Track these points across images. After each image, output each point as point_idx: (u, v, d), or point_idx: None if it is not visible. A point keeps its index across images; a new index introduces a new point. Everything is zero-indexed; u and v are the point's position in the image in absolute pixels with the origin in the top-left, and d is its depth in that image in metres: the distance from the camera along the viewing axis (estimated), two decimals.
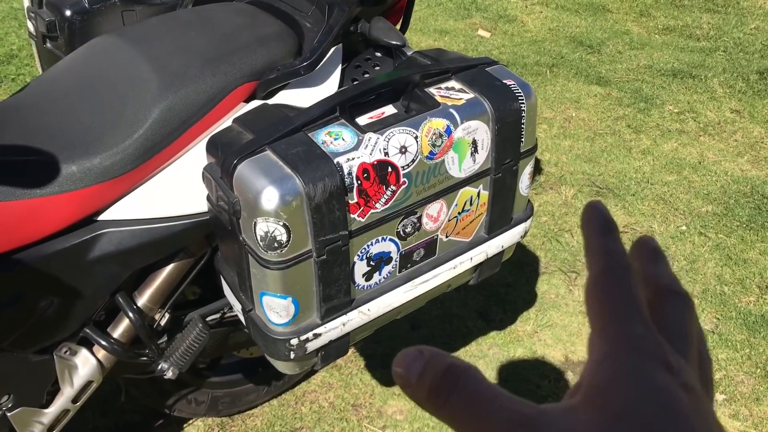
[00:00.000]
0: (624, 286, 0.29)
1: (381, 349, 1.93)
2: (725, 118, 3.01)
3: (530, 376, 1.88)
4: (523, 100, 1.14)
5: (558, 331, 2.01)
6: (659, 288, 0.32)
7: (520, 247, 2.26)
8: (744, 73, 3.35)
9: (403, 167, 1.03)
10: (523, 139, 1.17)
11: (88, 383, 1.23)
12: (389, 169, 1.02)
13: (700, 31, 3.82)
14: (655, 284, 0.33)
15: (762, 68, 3.39)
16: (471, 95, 1.11)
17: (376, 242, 1.07)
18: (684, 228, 2.38)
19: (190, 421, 1.72)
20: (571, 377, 1.87)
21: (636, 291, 0.29)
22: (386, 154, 1.01)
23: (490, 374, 1.88)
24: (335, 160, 0.97)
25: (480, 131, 1.10)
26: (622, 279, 0.30)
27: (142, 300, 1.24)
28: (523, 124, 1.15)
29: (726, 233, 2.35)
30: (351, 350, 1.92)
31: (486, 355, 1.93)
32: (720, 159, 2.75)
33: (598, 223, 0.32)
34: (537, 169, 2.66)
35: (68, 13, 1.35)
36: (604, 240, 0.31)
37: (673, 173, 2.66)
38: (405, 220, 1.09)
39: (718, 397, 1.81)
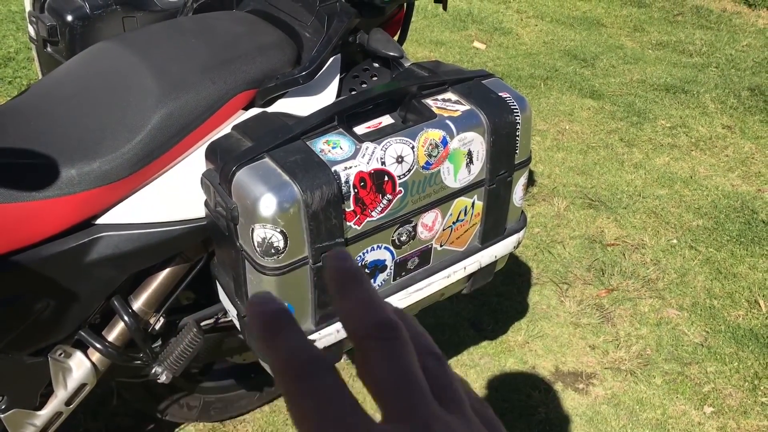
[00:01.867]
0: (312, 399, 0.25)
1: None
2: (717, 133, 3.04)
3: (521, 387, 1.89)
4: (518, 112, 1.16)
5: (549, 341, 2.02)
6: (358, 333, 0.28)
7: (512, 258, 2.27)
8: (735, 89, 3.39)
9: (399, 176, 1.05)
10: (517, 151, 1.19)
11: (82, 386, 1.23)
12: (386, 178, 1.03)
13: (693, 47, 3.86)
14: (355, 326, 0.28)
15: (753, 85, 3.43)
16: (467, 107, 1.13)
17: (371, 250, 1.08)
18: (675, 242, 2.40)
19: (182, 426, 1.73)
20: (561, 388, 1.89)
21: (326, 393, 0.25)
22: (383, 163, 1.03)
23: (481, 383, 1.89)
24: (333, 169, 0.99)
25: (475, 143, 1.12)
26: (309, 391, 0.25)
27: (138, 304, 1.25)
28: (517, 136, 1.17)
29: (716, 247, 2.38)
30: (343, 358, 1.93)
31: (477, 364, 1.95)
32: (711, 174, 2.78)
33: (261, 327, 0.27)
34: (530, 181, 2.68)
35: (69, 18, 1.36)
36: (274, 348, 0.26)
37: (664, 187, 2.68)
38: (400, 228, 1.10)
39: (706, 410, 1.83)
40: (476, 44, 3.81)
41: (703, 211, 2.56)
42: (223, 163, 1.00)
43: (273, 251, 0.97)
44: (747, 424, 1.79)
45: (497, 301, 2.15)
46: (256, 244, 0.97)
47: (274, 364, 0.26)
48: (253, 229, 0.96)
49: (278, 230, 0.95)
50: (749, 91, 3.37)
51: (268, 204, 0.94)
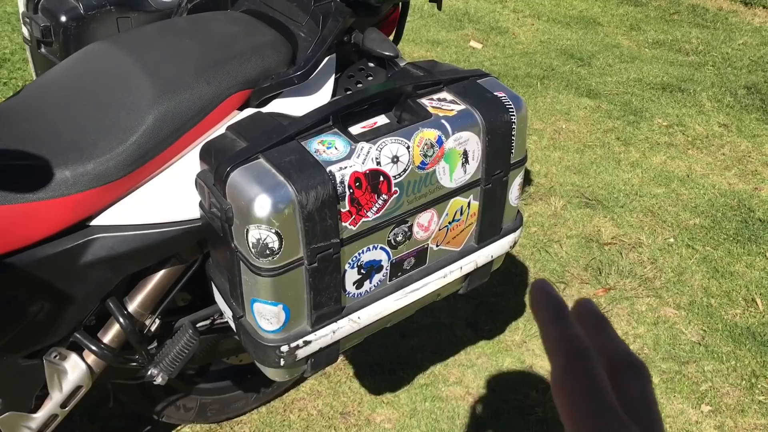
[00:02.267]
0: (590, 378, 0.29)
1: (370, 358, 1.94)
2: (713, 131, 3.04)
3: (518, 386, 1.89)
4: (513, 112, 1.15)
5: None
6: (615, 360, 0.32)
7: (509, 257, 2.27)
8: (732, 87, 3.40)
9: (394, 177, 1.05)
10: (513, 151, 1.19)
11: (78, 388, 1.23)
12: (381, 179, 1.03)
13: (689, 46, 3.87)
14: (609, 355, 0.32)
15: (749, 83, 3.43)
16: (462, 107, 1.12)
17: (367, 250, 1.08)
18: (672, 240, 2.40)
19: (179, 428, 1.72)
20: None
21: (603, 380, 0.29)
22: (378, 163, 1.02)
23: (479, 383, 1.89)
24: (328, 169, 0.98)
25: (471, 142, 1.11)
26: (588, 370, 0.29)
27: (133, 305, 1.24)
28: (513, 135, 1.17)
29: (713, 246, 2.38)
30: (340, 358, 1.92)
31: (474, 364, 1.94)
32: (708, 172, 2.78)
33: (549, 308, 0.32)
34: (527, 180, 2.68)
35: (63, 18, 1.35)
36: (560, 327, 0.31)
37: (661, 186, 2.68)
38: (396, 229, 1.10)
39: (704, 408, 1.83)
40: (473, 44, 3.81)
41: (700, 209, 2.56)
42: (218, 163, 0.99)
43: (268, 252, 0.97)
44: (744, 423, 1.79)
45: (494, 300, 2.14)
46: (250, 245, 0.97)
47: (557, 341, 0.31)
48: (247, 230, 0.96)
49: (273, 231, 0.95)
50: (745, 90, 3.37)
51: (262, 205, 0.93)
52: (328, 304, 1.07)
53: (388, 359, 1.94)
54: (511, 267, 2.26)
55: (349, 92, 1.25)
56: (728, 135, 3.02)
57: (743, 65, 3.64)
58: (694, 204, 2.59)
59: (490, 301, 2.14)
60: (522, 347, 2.00)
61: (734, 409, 1.83)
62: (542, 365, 1.95)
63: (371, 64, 1.31)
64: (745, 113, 3.18)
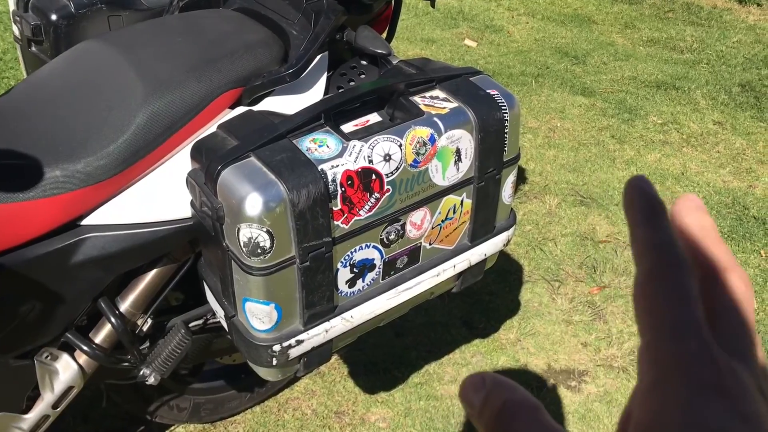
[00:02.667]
0: (677, 287, 0.26)
1: (364, 357, 1.94)
2: (708, 129, 3.05)
3: None
4: (506, 109, 1.15)
5: (541, 339, 2.02)
6: (714, 264, 0.28)
7: (503, 256, 2.27)
8: (726, 85, 3.40)
9: (387, 175, 1.04)
10: (506, 149, 1.18)
11: (69, 389, 1.22)
12: (373, 177, 1.03)
13: (684, 44, 3.87)
14: (708, 259, 0.29)
15: (744, 81, 3.43)
16: (455, 104, 1.12)
17: (359, 249, 1.08)
18: None
19: (172, 428, 1.71)
20: (553, 385, 1.88)
21: (690, 295, 0.26)
22: (370, 161, 1.02)
23: None
24: (319, 167, 0.98)
25: (464, 140, 1.11)
26: (675, 278, 0.26)
27: (125, 305, 1.24)
28: (506, 133, 1.16)
29: None
30: (334, 357, 1.92)
31: (469, 362, 1.94)
32: (702, 170, 2.78)
33: (642, 208, 0.28)
34: (521, 178, 2.68)
35: (54, 17, 1.35)
36: (652, 230, 0.27)
37: (656, 184, 2.68)
38: (389, 227, 1.09)
39: None
40: (467, 42, 3.81)
41: None
42: (209, 162, 0.99)
43: (259, 251, 0.96)
44: None
45: (489, 299, 2.14)
46: (242, 244, 0.96)
47: (646, 244, 0.27)
48: (239, 229, 0.95)
49: (264, 230, 0.94)
50: (740, 87, 3.38)
51: (253, 203, 0.93)
52: (320, 303, 1.06)
53: (382, 358, 1.94)
54: (505, 265, 2.26)
55: (341, 90, 1.25)
56: (723, 133, 3.03)
57: (738, 63, 3.64)
58: None
59: (485, 299, 2.14)
60: (517, 345, 2.00)
61: None
62: (536, 363, 1.95)
63: (364, 62, 1.31)
64: (740, 111, 3.18)
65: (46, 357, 1.20)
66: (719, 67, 3.60)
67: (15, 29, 1.47)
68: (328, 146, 1.01)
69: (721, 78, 3.47)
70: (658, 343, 0.25)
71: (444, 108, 1.11)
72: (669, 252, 0.27)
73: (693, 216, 0.30)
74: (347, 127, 1.06)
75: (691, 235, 0.30)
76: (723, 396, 0.23)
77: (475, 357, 1.96)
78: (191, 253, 1.25)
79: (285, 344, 1.06)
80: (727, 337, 0.26)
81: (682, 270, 0.26)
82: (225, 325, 1.14)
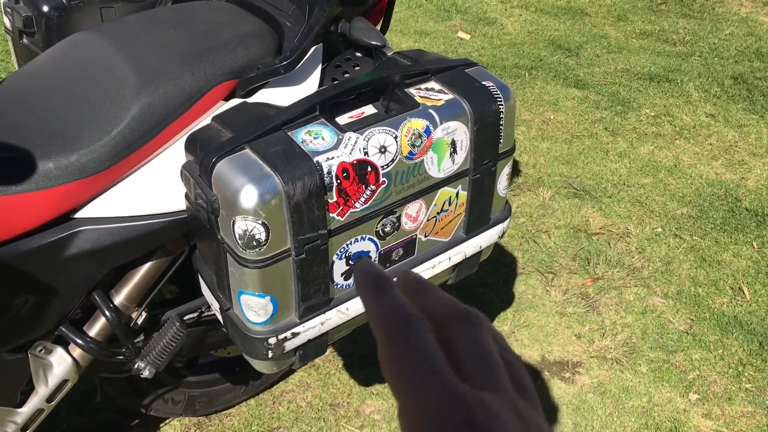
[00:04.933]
0: (412, 342, 0.28)
1: (359, 349, 1.94)
2: (700, 121, 3.05)
3: None
4: (501, 101, 1.15)
5: (535, 331, 2.03)
6: (441, 318, 0.31)
7: (497, 248, 2.27)
8: (719, 77, 3.41)
9: (382, 167, 1.04)
10: (501, 141, 1.18)
11: (64, 382, 1.22)
12: (369, 169, 1.02)
13: (677, 36, 3.87)
14: (435, 316, 0.31)
15: (736, 73, 3.44)
16: (450, 96, 1.12)
17: (355, 241, 1.07)
18: (659, 230, 2.41)
19: (167, 421, 1.71)
20: (548, 377, 1.89)
21: (426, 342, 0.28)
22: (366, 153, 1.01)
23: None
24: (315, 159, 0.97)
25: (459, 132, 1.11)
26: (409, 335, 0.28)
27: (119, 298, 1.23)
28: (501, 125, 1.16)
29: (700, 235, 2.39)
30: (329, 350, 1.92)
31: None
32: (695, 162, 2.79)
33: (368, 285, 0.31)
34: (515, 171, 2.68)
35: (46, 8, 1.33)
36: (379, 302, 0.30)
37: (649, 176, 2.69)
38: (384, 219, 1.09)
39: (692, 396, 1.84)
40: (461, 34, 3.80)
41: (688, 199, 2.57)
42: (203, 154, 0.98)
43: (255, 243, 0.96)
44: (732, 411, 1.81)
45: (483, 291, 2.14)
46: (237, 237, 0.96)
47: (377, 316, 0.29)
48: (234, 222, 0.95)
49: (260, 222, 0.94)
50: (732, 80, 3.38)
51: (249, 196, 0.92)
52: (316, 295, 1.06)
53: (377, 350, 1.94)
54: (499, 257, 2.26)
55: (336, 82, 1.24)
56: (715, 125, 3.04)
57: (730, 55, 3.65)
58: (682, 194, 2.59)
59: (479, 291, 2.14)
60: (511, 337, 2.00)
61: (722, 397, 1.84)
62: (530, 355, 1.95)
63: (358, 54, 1.30)
64: (732, 103, 3.19)
65: (40, 350, 1.20)
66: (712, 59, 3.60)
67: (6, 21, 1.46)
68: (323, 138, 1.01)
69: (714, 70, 3.48)
70: (408, 400, 0.27)
71: (439, 100, 1.11)
72: (398, 315, 0.29)
73: (409, 279, 0.33)
74: (342, 119, 1.06)
75: (414, 296, 0.32)
76: (473, 427, 0.25)
77: None
78: (186, 245, 1.25)
79: (281, 337, 1.06)
80: (473, 373, 0.28)
81: (414, 327, 0.28)
82: (220, 318, 1.14)
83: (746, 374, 1.90)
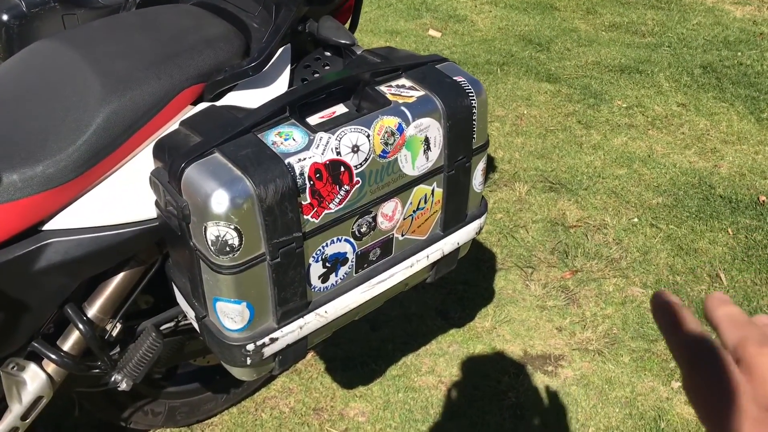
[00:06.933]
0: (714, 376, 0.30)
1: (341, 352, 1.92)
2: (672, 111, 3.08)
3: (490, 372, 1.89)
4: (473, 96, 1.14)
5: (516, 326, 2.02)
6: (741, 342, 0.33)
7: (476, 245, 2.27)
8: (688, 67, 3.44)
9: (356, 166, 1.02)
10: (474, 136, 1.17)
11: (38, 399, 1.19)
12: (342, 169, 1.01)
13: (645, 28, 3.90)
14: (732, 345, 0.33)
15: (705, 62, 3.48)
16: (422, 93, 1.11)
17: (331, 243, 1.06)
18: (636, 220, 2.42)
19: None
20: (531, 371, 1.89)
21: (725, 374, 0.30)
22: (338, 153, 1.00)
23: (451, 371, 1.88)
24: (286, 161, 0.96)
25: (432, 128, 1.10)
26: (710, 369, 0.30)
27: (93, 310, 1.21)
28: (474, 120, 1.15)
29: (676, 224, 2.40)
30: (310, 354, 1.90)
31: (446, 352, 1.94)
32: (668, 152, 2.80)
33: (665, 317, 0.33)
34: (491, 167, 2.68)
35: (5, 17, 1.30)
36: (678, 334, 0.32)
37: (623, 167, 2.70)
38: (360, 219, 1.08)
39: (674, 385, 1.85)
40: (431, 32, 3.80)
41: (662, 188, 2.58)
42: (172, 160, 0.96)
43: (228, 249, 0.94)
44: None
45: (463, 288, 2.14)
46: (210, 243, 0.94)
47: (676, 352, 0.32)
48: (205, 228, 0.93)
49: (232, 227, 0.92)
50: (701, 69, 3.42)
51: (219, 200, 0.90)
52: (293, 299, 1.04)
53: (359, 352, 1.92)
54: (478, 254, 2.26)
55: (305, 82, 1.23)
56: (687, 114, 3.06)
57: (698, 45, 3.68)
58: (656, 183, 2.61)
59: (459, 288, 2.14)
60: (492, 333, 2.00)
61: None
62: (513, 350, 1.95)
63: (327, 53, 1.29)
64: (702, 92, 3.22)
65: (12, 367, 1.17)
66: (681, 49, 3.64)
67: None
68: (294, 139, 0.99)
69: (683, 60, 3.51)
70: (717, 426, 0.29)
71: (411, 96, 1.10)
72: (698, 348, 0.32)
73: (722, 309, 0.35)
74: (313, 120, 1.04)
75: (721, 325, 0.35)
76: None
77: (452, 347, 1.96)
78: (159, 254, 1.22)
79: (259, 343, 1.04)
80: None
81: (714, 359, 0.31)
82: (196, 326, 1.12)
83: None
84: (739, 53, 3.57)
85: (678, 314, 0.33)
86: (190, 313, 1.12)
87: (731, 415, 0.28)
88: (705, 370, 0.30)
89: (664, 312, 0.34)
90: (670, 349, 0.33)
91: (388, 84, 1.12)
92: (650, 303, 0.34)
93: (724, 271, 2.20)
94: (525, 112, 3.06)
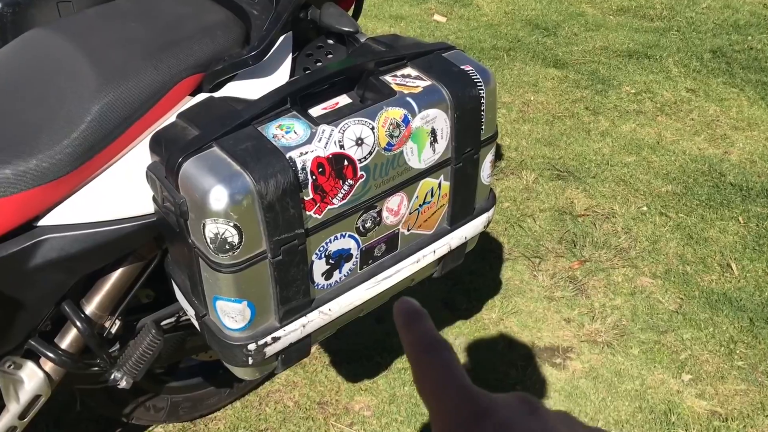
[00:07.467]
0: (433, 362, 0.33)
1: (345, 345, 1.89)
2: (681, 97, 3.03)
3: (497, 365, 1.86)
4: (481, 85, 1.10)
5: (524, 317, 1.99)
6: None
7: (483, 234, 2.23)
8: (698, 52, 3.38)
9: (360, 160, 0.99)
10: (483, 127, 1.13)
11: (36, 398, 1.16)
12: (345, 163, 0.97)
13: (654, 12, 3.84)
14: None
15: (714, 47, 3.42)
16: (428, 82, 1.07)
17: (334, 239, 1.02)
18: (645, 209, 2.38)
19: (150, 429, 1.66)
20: (538, 363, 1.86)
21: (444, 360, 0.33)
22: (342, 146, 0.96)
23: None
24: (287, 155, 0.92)
25: (439, 120, 1.06)
26: (431, 357, 0.33)
27: (91, 307, 1.18)
28: (482, 110, 1.11)
29: (686, 212, 2.36)
30: (315, 347, 1.87)
31: (452, 344, 1.90)
32: (677, 138, 2.76)
33: (404, 320, 0.35)
34: (497, 155, 2.64)
35: None
36: (409, 330, 0.35)
37: (632, 154, 2.66)
38: (364, 215, 1.04)
39: (684, 377, 1.82)
40: (436, 17, 3.74)
41: (672, 176, 2.54)
42: (169, 154, 0.92)
43: (227, 247, 0.90)
44: (725, 389, 1.78)
45: (470, 279, 2.11)
46: (208, 240, 0.90)
47: (409, 342, 0.34)
48: (204, 225, 0.89)
49: (231, 224, 0.89)
50: (711, 54, 3.36)
51: (218, 197, 0.87)
52: (295, 297, 1.01)
53: (364, 345, 1.90)
54: (485, 244, 2.22)
55: (307, 72, 1.19)
56: (696, 100, 3.01)
57: (708, 29, 3.62)
58: (666, 171, 2.57)
59: (466, 279, 2.10)
60: (499, 325, 1.97)
61: (714, 376, 1.82)
62: (520, 342, 1.92)
63: (330, 41, 1.25)
64: (712, 77, 3.17)
65: (9, 366, 1.14)
66: (690, 33, 3.58)
67: None
68: (295, 132, 0.95)
69: (692, 45, 3.45)
70: (434, 411, 0.32)
71: (417, 86, 1.06)
72: (424, 339, 0.34)
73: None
74: (315, 111, 1.00)
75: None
76: (483, 416, 0.30)
77: (459, 339, 1.93)
78: (158, 250, 1.19)
79: (260, 342, 1.01)
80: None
81: (437, 347, 0.34)
82: (196, 324, 1.09)
83: (738, 352, 1.88)
84: (750, 37, 3.51)
85: (414, 316, 0.35)
86: (190, 312, 1.09)
87: (445, 400, 0.31)
88: (426, 369, 0.33)
89: (399, 312, 0.35)
90: (405, 349, 0.35)
91: (393, 74, 1.08)
92: (393, 307, 0.37)
93: (735, 260, 2.16)
94: (532, 98, 3.01)
